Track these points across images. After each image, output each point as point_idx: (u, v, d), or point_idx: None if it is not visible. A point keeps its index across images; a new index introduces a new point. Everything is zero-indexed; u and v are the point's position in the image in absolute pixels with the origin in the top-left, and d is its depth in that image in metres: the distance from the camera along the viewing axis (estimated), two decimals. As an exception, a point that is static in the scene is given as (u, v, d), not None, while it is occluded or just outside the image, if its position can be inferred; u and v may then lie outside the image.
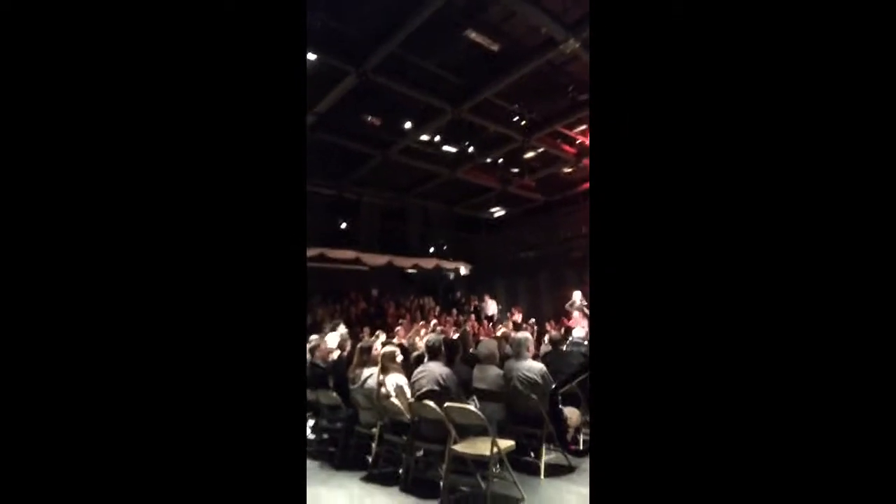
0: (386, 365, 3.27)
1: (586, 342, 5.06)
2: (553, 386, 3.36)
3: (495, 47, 5.97)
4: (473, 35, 5.78)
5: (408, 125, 7.70)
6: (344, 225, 10.37)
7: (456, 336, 5.10)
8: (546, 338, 4.95)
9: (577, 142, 8.67)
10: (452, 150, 8.61)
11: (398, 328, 6.54)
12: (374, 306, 9.26)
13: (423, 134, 7.96)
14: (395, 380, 3.25)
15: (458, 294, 11.55)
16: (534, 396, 3.19)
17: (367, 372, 3.43)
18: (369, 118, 7.67)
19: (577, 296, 8.54)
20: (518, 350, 3.53)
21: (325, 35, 5.37)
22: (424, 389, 3.00)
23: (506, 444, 2.81)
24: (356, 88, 6.22)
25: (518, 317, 8.57)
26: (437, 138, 8.33)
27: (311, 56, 5.43)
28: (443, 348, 3.34)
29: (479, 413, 2.72)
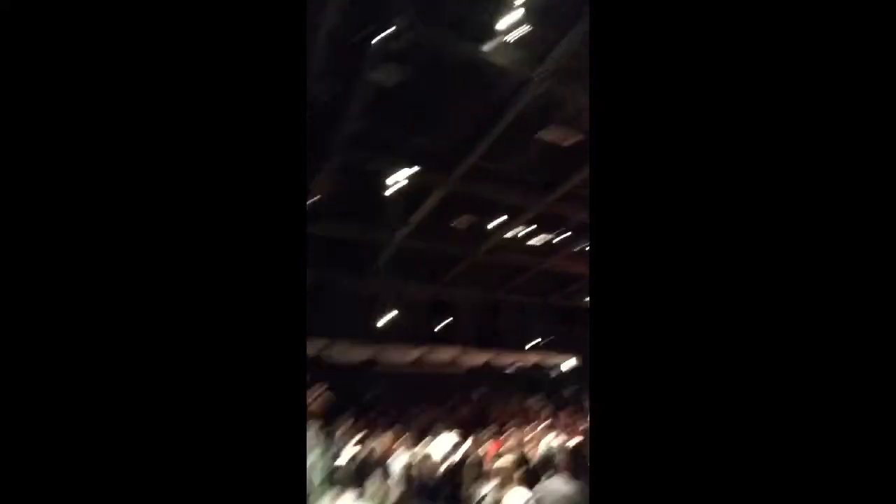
0: (506, 479, 2.95)
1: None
2: None
3: (570, 142, 6.14)
4: (548, 135, 6.03)
5: (493, 224, 7.92)
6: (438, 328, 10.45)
7: (576, 442, 4.58)
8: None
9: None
10: (539, 242, 8.60)
11: (506, 435, 6.05)
12: (475, 411, 8.82)
13: (509, 231, 8.11)
14: (518, 497, 2.90)
15: (568, 391, 10.65)
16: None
17: (484, 489, 3.12)
18: (460, 219, 8.02)
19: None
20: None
21: (416, 150, 5.94)
22: (551, 510, 2.62)
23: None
24: (446, 197, 6.66)
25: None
26: (524, 233, 8.42)
27: (407, 171, 5.98)
28: (564, 459, 2.96)
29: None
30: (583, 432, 5.57)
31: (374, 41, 4.24)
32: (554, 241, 8.62)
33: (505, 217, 7.71)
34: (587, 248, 9.12)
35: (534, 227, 8.27)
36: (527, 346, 11.13)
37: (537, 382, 10.85)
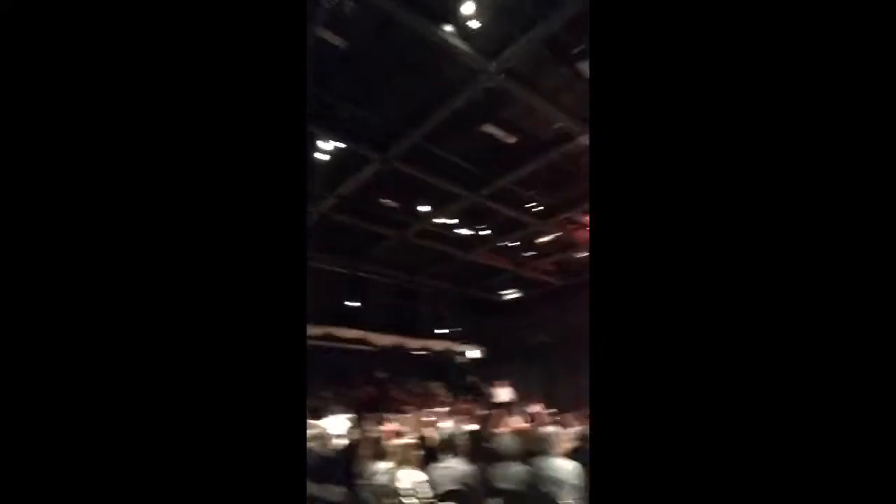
0: (404, 459, 2.99)
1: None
2: None
3: (511, 140, 6.30)
4: (491, 129, 6.13)
5: (425, 208, 7.92)
6: (352, 304, 10.27)
7: (474, 427, 4.76)
8: (573, 432, 4.59)
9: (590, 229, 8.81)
10: (468, 233, 8.76)
11: (407, 416, 6.15)
12: (379, 390, 8.84)
13: (439, 217, 8.16)
14: (412, 477, 2.95)
15: (470, 379, 11.07)
16: (570, 502, 2.85)
17: (379, 466, 3.13)
18: (387, 200, 7.92)
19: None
20: (544, 446, 3.24)
21: (353, 123, 5.72)
22: (445, 489, 2.70)
23: (538, 561, 2.45)
24: (378, 173, 6.50)
25: (538, 407, 8.09)
26: (454, 221, 8.52)
27: (339, 144, 5.75)
28: (462, 442, 3.07)
29: (509, 521, 2.41)
30: (479, 418, 5.84)
31: (322, 2, 3.97)
32: (479, 234, 8.81)
33: (433, 203, 7.73)
34: (509, 245, 9.48)
35: (460, 218, 8.40)
36: (436, 332, 11.36)
37: (442, 369, 11.13)
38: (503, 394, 9.44)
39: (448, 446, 2.97)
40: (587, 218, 8.61)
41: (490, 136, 6.24)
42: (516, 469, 3.20)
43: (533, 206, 8.05)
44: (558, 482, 2.98)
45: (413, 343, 10.64)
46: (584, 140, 5.81)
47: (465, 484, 2.73)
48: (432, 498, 2.75)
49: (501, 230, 8.81)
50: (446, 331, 11.46)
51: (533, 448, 3.74)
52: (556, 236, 9.00)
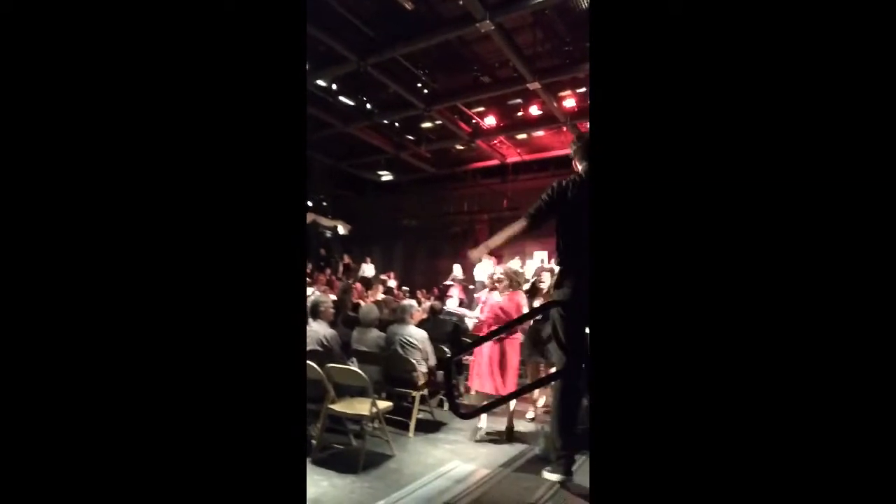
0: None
1: (457, 313, 5.40)
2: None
3: (409, 5, 5.77)
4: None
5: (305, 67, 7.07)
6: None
7: (337, 297, 5.02)
8: (426, 306, 5.15)
9: (473, 121, 8.93)
10: (350, 102, 8.18)
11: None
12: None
13: (320, 79, 7.41)
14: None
15: (334, 253, 11.24)
16: (413, 360, 3.34)
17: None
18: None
19: (457, 269, 8.97)
20: (402, 316, 3.63)
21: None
22: (307, 349, 2.92)
23: (384, 404, 2.91)
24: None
25: (393, 283, 8.71)
26: (335, 87, 7.83)
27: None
28: (326, 308, 3.27)
29: (362, 374, 2.76)
30: (342, 289, 6.15)
31: None
32: (361, 107, 8.31)
33: (314, 64, 6.94)
34: (396, 125, 9.18)
35: (341, 85, 7.75)
36: (309, 204, 10.98)
37: (308, 239, 11.04)
38: (367, 269, 9.90)
39: (312, 311, 3.14)
40: (471, 111, 8.68)
41: (389, -5, 5.62)
42: (375, 334, 3.56)
43: (421, 88, 7.76)
44: (410, 345, 3.43)
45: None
46: (486, 26, 5.62)
47: (323, 344, 2.98)
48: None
49: (384, 107, 8.42)
50: (310, 204, 11.14)
51: (389, 317, 4.16)
52: (439, 124, 8.96)
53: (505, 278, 3.38)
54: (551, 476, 2.15)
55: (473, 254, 2.22)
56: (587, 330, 2.07)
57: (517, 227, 2.12)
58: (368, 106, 8.36)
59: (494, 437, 3.18)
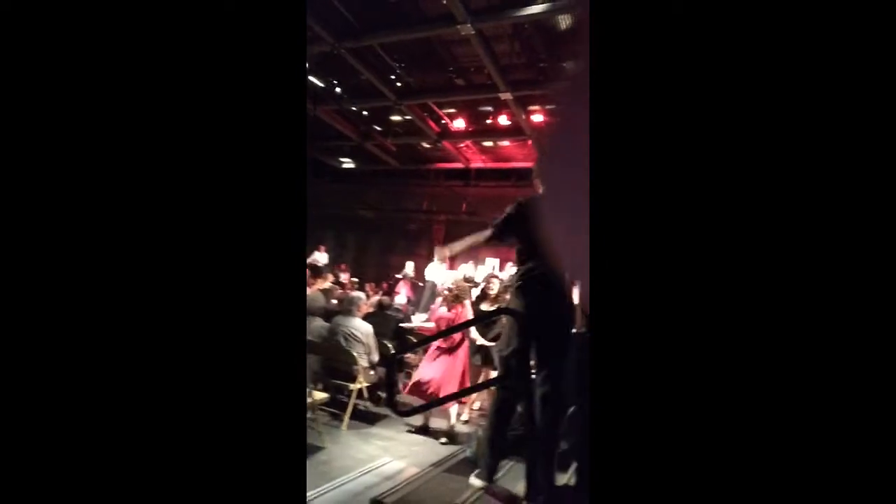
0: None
1: (403, 310, 5.38)
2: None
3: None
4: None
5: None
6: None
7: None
8: (374, 300, 5.09)
9: (442, 121, 8.95)
10: (319, 84, 7.95)
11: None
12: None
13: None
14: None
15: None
16: (354, 353, 3.29)
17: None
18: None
19: (409, 267, 8.93)
20: (349, 307, 3.57)
21: None
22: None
23: (321, 395, 2.85)
24: None
25: (345, 276, 8.55)
26: (307, 65, 7.58)
27: None
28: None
29: (301, 363, 2.68)
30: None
31: None
32: (330, 90, 8.10)
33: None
34: (364, 114, 9.02)
35: (313, 65, 7.52)
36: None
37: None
38: (320, 257, 9.65)
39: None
40: (441, 111, 8.70)
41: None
42: (319, 323, 3.48)
43: (395, 80, 7.68)
44: (354, 337, 3.38)
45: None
46: (466, 30, 5.65)
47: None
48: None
49: (355, 93, 8.26)
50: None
51: (337, 308, 4.07)
52: (408, 119, 8.90)
53: (450, 293, 3.44)
54: (476, 482, 2.18)
55: (440, 252, 2.26)
56: (573, 331, 2.10)
57: (481, 236, 2.12)
58: (338, 90, 8.16)
59: (427, 436, 3.20)
